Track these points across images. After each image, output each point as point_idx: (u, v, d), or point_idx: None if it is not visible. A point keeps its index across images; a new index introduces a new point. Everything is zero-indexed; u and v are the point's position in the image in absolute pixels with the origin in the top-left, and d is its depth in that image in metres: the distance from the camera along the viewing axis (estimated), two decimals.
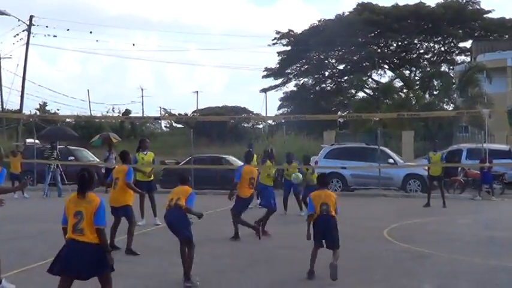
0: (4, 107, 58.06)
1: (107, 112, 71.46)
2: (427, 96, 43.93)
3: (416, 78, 54.50)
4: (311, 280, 10.09)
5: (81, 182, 7.42)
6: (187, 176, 10.97)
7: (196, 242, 10.02)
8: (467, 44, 64.08)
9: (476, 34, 63.03)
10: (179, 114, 63.55)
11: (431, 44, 67.33)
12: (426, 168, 25.16)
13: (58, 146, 28.57)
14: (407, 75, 59.77)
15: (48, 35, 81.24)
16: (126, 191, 13.07)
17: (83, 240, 7.17)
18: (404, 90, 48.19)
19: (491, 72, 42.12)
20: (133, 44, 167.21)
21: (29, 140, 38.36)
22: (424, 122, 37.40)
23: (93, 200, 7.34)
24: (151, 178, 17.63)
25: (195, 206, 10.07)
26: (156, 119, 58.76)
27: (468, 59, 59.47)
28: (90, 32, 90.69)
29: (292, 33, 67.28)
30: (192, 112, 73.95)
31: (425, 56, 67.91)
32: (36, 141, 34.80)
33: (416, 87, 44.94)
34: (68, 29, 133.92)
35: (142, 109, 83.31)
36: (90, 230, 7.21)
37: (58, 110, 71.48)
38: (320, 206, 10.39)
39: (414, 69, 64.19)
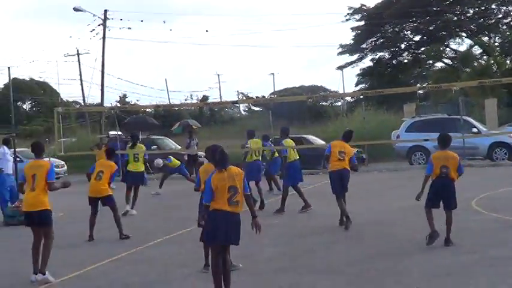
0: (86, 101, 59.55)
1: (186, 100, 72.25)
2: (508, 61, 42.80)
3: (496, 44, 53.04)
4: (434, 243, 10.43)
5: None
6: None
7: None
8: None
9: None
10: (256, 97, 63.58)
11: (510, 8, 65.40)
12: None
13: (140, 136, 28.90)
14: (486, 41, 58.24)
15: (123, 27, 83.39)
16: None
17: None
18: (484, 57, 47.06)
19: None
20: (207, 31, 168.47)
21: (112, 132, 38.74)
22: (507, 88, 36.44)
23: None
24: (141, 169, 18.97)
25: None
26: (234, 103, 59.13)
27: None
28: (164, 22, 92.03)
29: (365, 8, 66.35)
30: (270, 94, 74.04)
31: (504, 21, 65.88)
32: (119, 132, 35.20)
33: (497, 54, 43.80)
34: (141, 21, 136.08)
35: (220, 94, 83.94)
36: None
37: (138, 100, 72.92)
38: (440, 168, 10.72)
39: (493, 35, 62.41)
